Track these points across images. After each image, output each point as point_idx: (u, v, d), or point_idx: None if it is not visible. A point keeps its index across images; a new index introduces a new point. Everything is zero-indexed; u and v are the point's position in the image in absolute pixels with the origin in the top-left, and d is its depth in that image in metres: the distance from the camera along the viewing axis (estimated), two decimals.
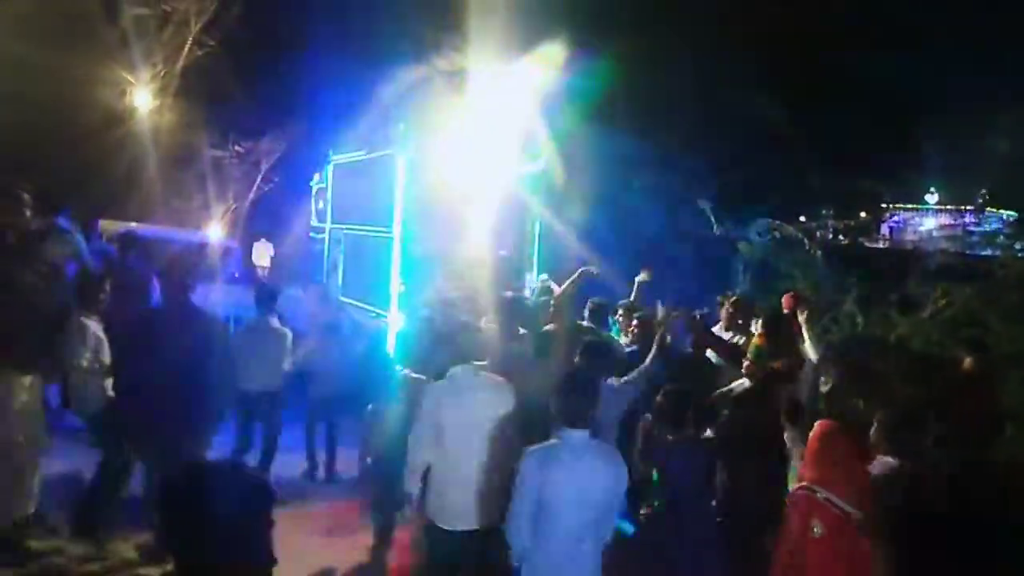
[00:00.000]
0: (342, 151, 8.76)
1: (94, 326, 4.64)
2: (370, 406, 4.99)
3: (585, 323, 5.61)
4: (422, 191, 7.01)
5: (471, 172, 7.06)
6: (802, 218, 12.03)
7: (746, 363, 4.68)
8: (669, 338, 5.17)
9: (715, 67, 12.47)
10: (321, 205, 9.23)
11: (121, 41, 14.78)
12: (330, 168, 8.95)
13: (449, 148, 7.12)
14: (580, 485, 2.88)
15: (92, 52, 14.04)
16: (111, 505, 4.65)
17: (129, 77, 15.33)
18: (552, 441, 3.02)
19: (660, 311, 5.09)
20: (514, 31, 9.50)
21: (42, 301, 4.30)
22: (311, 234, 9.52)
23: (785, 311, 5.23)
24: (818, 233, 11.04)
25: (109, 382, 4.66)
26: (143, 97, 15.64)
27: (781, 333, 4.80)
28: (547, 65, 9.63)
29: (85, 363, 4.54)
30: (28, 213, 4.37)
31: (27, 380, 4.24)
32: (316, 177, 9.53)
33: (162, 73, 16.01)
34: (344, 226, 8.49)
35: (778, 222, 9.56)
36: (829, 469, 2.97)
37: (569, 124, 11.25)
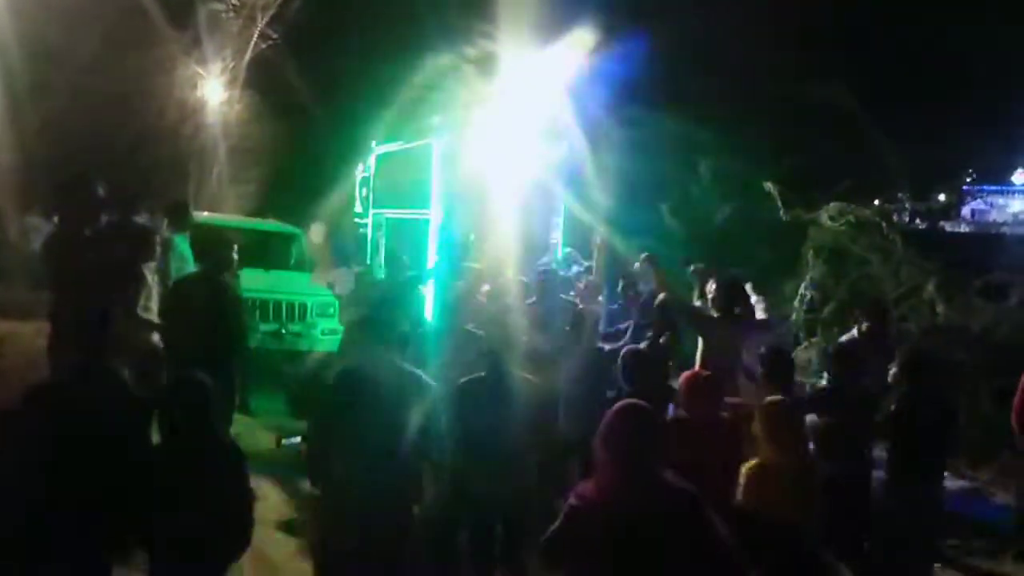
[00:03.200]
0: (383, 141, 9.26)
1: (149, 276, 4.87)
2: None
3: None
4: (456, 177, 7.52)
5: (503, 158, 7.46)
6: (877, 201, 11.46)
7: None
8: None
9: (780, 40, 11.90)
10: (365, 192, 9.69)
11: (194, 36, 15.34)
12: (372, 157, 9.42)
13: (483, 136, 7.55)
14: None
15: (168, 48, 14.61)
16: None
17: (200, 71, 15.89)
18: None
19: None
20: (562, 14, 9.54)
21: (119, 293, 4.51)
22: (355, 219, 10.02)
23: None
24: (895, 216, 10.48)
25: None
26: (214, 89, 16.18)
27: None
28: (595, 49, 9.66)
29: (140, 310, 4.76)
30: (104, 207, 4.58)
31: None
32: (360, 167, 9.96)
33: (231, 66, 16.55)
34: (385, 210, 8.98)
35: (851, 205, 9.11)
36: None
37: (621, 109, 11.09)
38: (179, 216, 5.94)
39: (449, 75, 11.01)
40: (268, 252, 8.98)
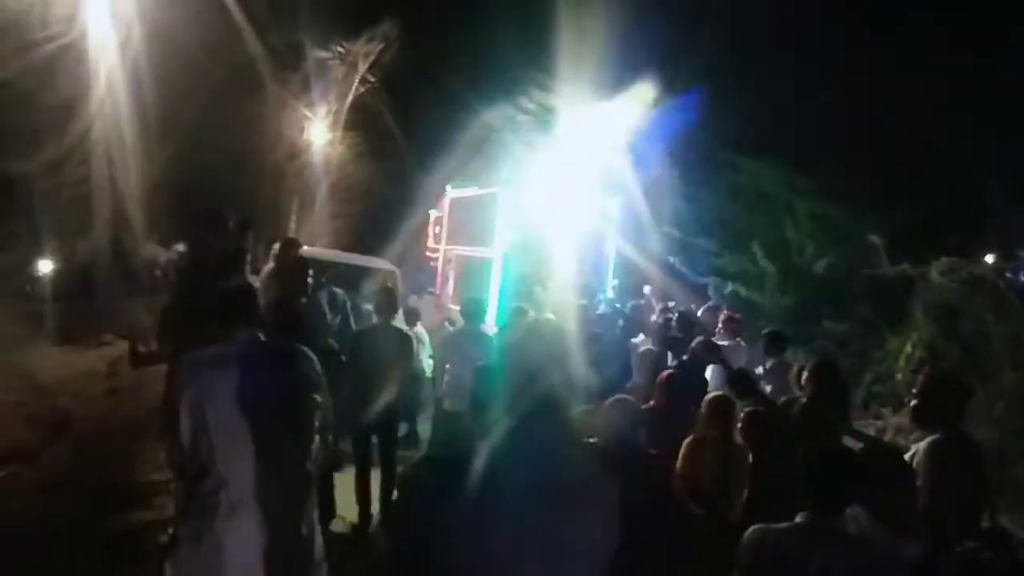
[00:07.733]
0: (457, 186, 10.29)
1: None
2: None
3: None
4: (520, 222, 8.39)
5: (563, 207, 8.36)
6: (989, 257, 10.78)
7: None
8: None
9: (885, 84, 11.39)
10: (438, 230, 10.61)
11: (303, 82, 16.39)
12: (446, 200, 10.40)
13: (546, 187, 8.47)
14: None
15: (280, 92, 15.65)
16: None
17: (308, 113, 16.90)
18: None
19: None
20: (643, 60, 9.96)
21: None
22: (428, 254, 11.03)
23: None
24: (1011, 274, 9.80)
25: None
26: (319, 131, 17.14)
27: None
28: (676, 96, 10.02)
29: None
30: (229, 237, 4.84)
31: None
32: (435, 207, 11.04)
33: (334, 109, 17.52)
34: (455, 248, 9.87)
35: (964, 260, 8.56)
36: None
37: (718, 155, 11.02)
38: (290, 250, 6.24)
39: (521, 127, 11.77)
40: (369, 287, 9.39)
